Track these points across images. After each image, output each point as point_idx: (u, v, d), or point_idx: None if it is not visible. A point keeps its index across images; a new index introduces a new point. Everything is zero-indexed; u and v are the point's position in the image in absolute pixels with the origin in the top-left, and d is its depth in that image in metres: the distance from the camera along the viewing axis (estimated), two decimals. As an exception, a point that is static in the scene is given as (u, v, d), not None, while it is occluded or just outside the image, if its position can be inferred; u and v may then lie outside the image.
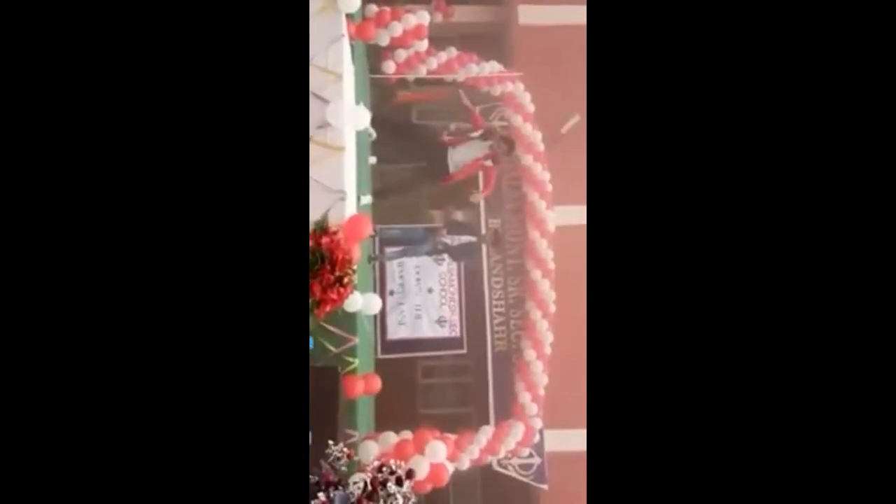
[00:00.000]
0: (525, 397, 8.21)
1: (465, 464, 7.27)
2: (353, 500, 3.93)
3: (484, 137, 7.82)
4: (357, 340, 5.62)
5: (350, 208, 5.32)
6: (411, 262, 8.48)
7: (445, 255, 8.07)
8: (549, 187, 8.67)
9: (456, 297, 8.73)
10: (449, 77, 8.63)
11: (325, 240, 4.47)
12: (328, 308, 4.51)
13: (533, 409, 8.16)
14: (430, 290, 8.68)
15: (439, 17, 8.84)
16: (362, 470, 4.25)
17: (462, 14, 9.34)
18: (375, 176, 7.71)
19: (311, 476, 3.92)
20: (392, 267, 8.53)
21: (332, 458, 4.07)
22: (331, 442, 4.17)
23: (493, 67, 8.67)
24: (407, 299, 8.61)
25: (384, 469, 4.05)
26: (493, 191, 8.59)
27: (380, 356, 8.24)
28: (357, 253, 4.96)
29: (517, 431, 7.95)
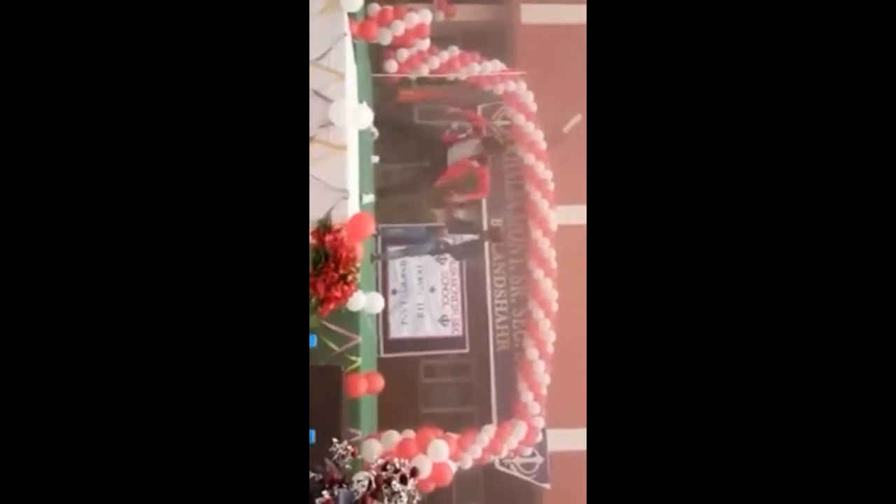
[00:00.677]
0: (527, 396, 8.21)
1: (468, 463, 7.27)
2: (357, 498, 3.93)
3: (474, 136, 7.81)
4: (360, 339, 5.62)
5: (353, 207, 5.32)
6: (413, 262, 8.48)
7: (448, 255, 8.07)
8: (552, 186, 8.67)
9: (458, 296, 8.74)
10: (451, 76, 8.64)
11: (328, 238, 4.48)
12: (332, 306, 4.51)
13: (535, 408, 8.16)
14: (432, 290, 8.68)
15: (441, 16, 8.85)
16: (366, 468, 4.25)
17: (464, 13, 9.34)
18: (378, 175, 7.70)
19: (315, 474, 3.93)
20: (394, 266, 8.54)
21: (336, 456, 4.07)
22: (335, 440, 4.17)
23: (495, 66, 8.67)
24: (409, 298, 8.62)
25: (388, 467, 4.05)
26: (495, 191, 8.62)
27: (382, 355, 8.24)
28: (360, 251, 4.96)
29: (520, 431, 7.96)
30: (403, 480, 4.02)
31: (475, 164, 7.80)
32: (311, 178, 4.31)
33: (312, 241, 4.46)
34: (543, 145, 8.74)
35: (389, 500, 3.94)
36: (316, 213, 4.71)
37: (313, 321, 4.62)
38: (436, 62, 8.50)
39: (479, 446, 7.41)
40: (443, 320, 8.69)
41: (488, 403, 8.57)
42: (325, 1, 5.49)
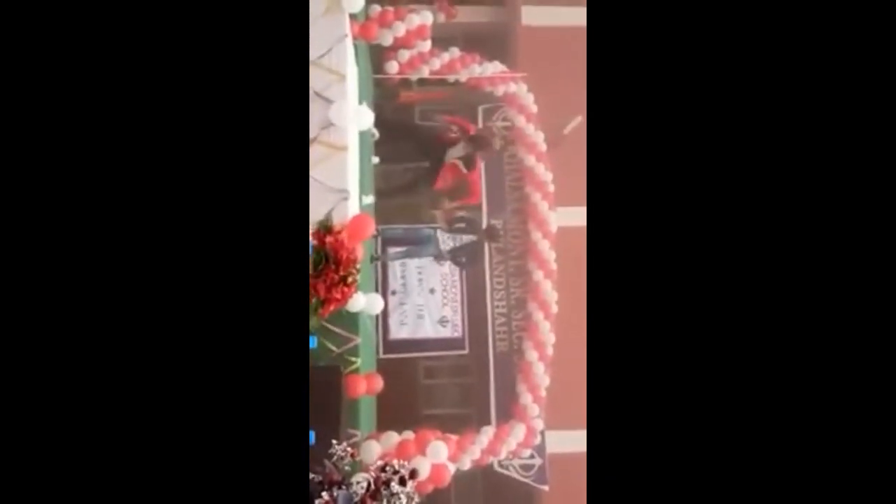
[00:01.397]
0: (526, 398, 8.21)
1: (467, 464, 7.27)
2: (356, 499, 3.93)
3: (462, 138, 7.75)
4: (359, 340, 5.62)
5: (353, 208, 5.32)
6: (413, 263, 8.48)
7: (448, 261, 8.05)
8: (552, 188, 8.67)
9: (458, 297, 8.74)
10: (451, 77, 8.64)
11: (329, 239, 4.48)
12: (332, 307, 4.51)
13: (534, 410, 8.15)
14: (432, 291, 8.68)
15: (442, 18, 8.85)
16: (365, 470, 4.25)
17: (465, 14, 9.34)
18: (378, 176, 7.70)
19: (314, 476, 3.93)
20: (394, 267, 8.54)
21: (335, 457, 4.07)
22: (334, 441, 4.17)
23: (495, 68, 8.67)
24: (409, 299, 8.62)
25: (387, 469, 4.05)
26: (495, 192, 8.62)
27: (382, 356, 8.24)
28: (360, 252, 4.96)
29: (518, 432, 7.96)
30: (402, 482, 4.02)
31: (461, 165, 7.71)
32: (311, 180, 4.31)
33: (313, 242, 4.46)
34: (544, 147, 8.74)
35: (388, 501, 3.94)
36: (316, 215, 4.71)
37: (313, 322, 4.62)
38: (436, 63, 8.50)
39: (477, 448, 7.41)
40: (442, 321, 8.70)
41: (487, 405, 8.57)
42: (326, 2, 5.49)
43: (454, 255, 7.60)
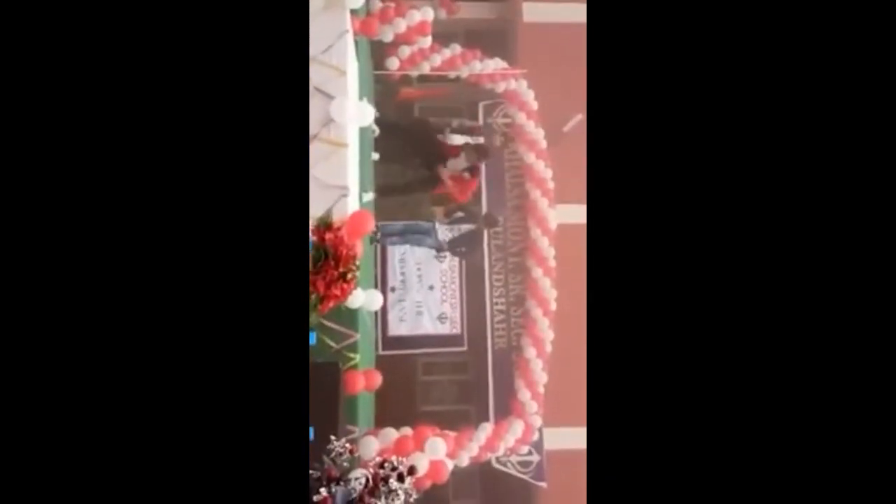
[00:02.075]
0: (525, 395, 8.23)
1: (465, 461, 7.29)
2: (354, 495, 3.93)
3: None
4: (358, 336, 5.63)
5: (353, 204, 5.32)
6: (413, 259, 8.48)
7: (447, 253, 8.05)
8: (551, 185, 8.67)
9: (457, 294, 8.75)
10: (452, 74, 8.63)
11: (328, 236, 4.47)
12: (331, 304, 4.50)
13: (532, 406, 8.17)
14: (431, 287, 8.68)
15: (443, 14, 8.84)
16: (363, 466, 4.26)
17: (466, 11, 9.34)
18: (378, 172, 7.70)
19: (313, 472, 3.93)
20: (393, 263, 8.53)
21: (333, 453, 4.07)
22: (332, 437, 4.17)
23: (496, 64, 8.66)
24: (408, 296, 8.63)
25: (386, 465, 4.05)
26: (495, 189, 8.62)
27: (380, 352, 8.25)
28: (360, 249, 4.96)
29: (517, 429, 7.97)
30: (401, 478, 4.02)
31: (466, 176, 7.73)
32: (311, 176, 4.30)
33: (313, 238, 4.45)
34: (544, 144, 8.74)
35: (386, 497, 3.94)
36: (316, 211, 4.71)
37: (312, 318, 4.62)
38: (437, 60, 8.50)
39: (476, 444, 7.43)
40: (441, 318, 8.71)
41: (486, 401, 8.59)
42: (326, -1, 5.49)
43: (453, 246, 7.61)
